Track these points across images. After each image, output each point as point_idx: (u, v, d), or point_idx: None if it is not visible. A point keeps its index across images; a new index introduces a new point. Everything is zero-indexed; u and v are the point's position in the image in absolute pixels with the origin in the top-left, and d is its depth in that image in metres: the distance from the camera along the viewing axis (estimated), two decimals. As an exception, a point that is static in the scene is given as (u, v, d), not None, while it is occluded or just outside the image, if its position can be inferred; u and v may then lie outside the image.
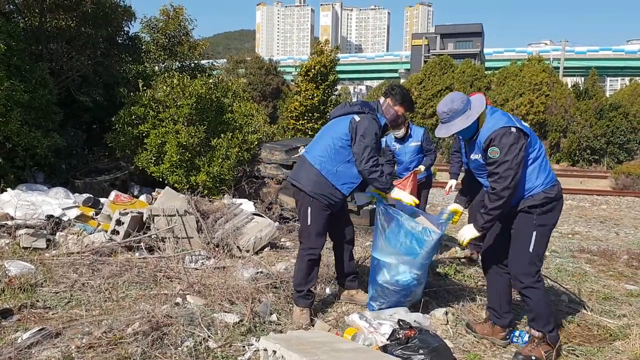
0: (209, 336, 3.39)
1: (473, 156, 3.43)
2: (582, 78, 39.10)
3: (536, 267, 3.40)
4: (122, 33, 10.27)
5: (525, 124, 3.39)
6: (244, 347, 3.34)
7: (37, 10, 8.63)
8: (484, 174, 3.42)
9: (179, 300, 4.00)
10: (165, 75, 8.67)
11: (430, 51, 59.53)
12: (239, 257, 5.49)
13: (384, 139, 6.31)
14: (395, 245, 3.76)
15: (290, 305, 4.03)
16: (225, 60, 33.25)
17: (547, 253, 6.93)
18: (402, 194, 3.87)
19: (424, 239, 3.66)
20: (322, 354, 2.83)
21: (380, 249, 3.87)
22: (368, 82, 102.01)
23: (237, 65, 31.22)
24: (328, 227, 4.01)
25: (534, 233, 3.32)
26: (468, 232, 3.45)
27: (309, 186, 3.87)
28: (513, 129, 3.19)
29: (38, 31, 8.73)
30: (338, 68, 26.60)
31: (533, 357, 3.38)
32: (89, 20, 8.81)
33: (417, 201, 3.90)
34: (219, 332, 3.48)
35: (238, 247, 5.81)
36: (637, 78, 40.58)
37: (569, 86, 33.80)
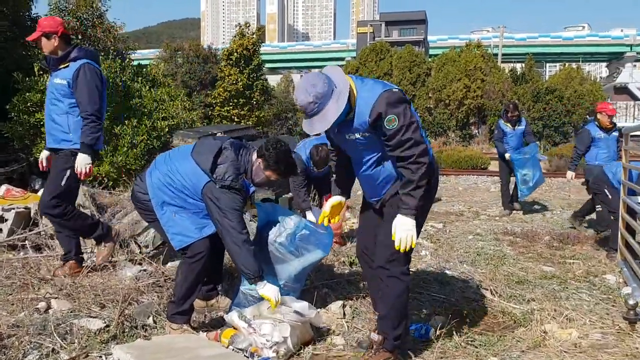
0: (61, 346, 2.95)
1: (350, 136, 2.89)
2: (522, 64, 39.98)
3: (399, 255, 2.86)
4: (26, 16, 9.49)
5: None
6: (100, 357, 2.92)
7: None
8: (367, 151, 2.92)
9: (40, 305, 3.52)
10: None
11: (375, 39, 59.54)
12: (133, 253, 5.02)
13: None
14: (269, 251, 3.39)
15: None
16: (161, 49, 32.11)
17: (470, 237, 6.78)
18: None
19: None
20: (174, 365, 2.46)
21: None
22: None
23: (175, 53, 30.16)
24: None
25: None
26: (407, 228, 2.76)
27: None
28: (395, 90, 2.78)
29: None
30: (286, 57, 26.25)
31: None
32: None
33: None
34: (76, 340, 3.04)
35: (136, 242, 5.35)
36: (573, 63, 41.81)
37: (507, 71, 34.24)
